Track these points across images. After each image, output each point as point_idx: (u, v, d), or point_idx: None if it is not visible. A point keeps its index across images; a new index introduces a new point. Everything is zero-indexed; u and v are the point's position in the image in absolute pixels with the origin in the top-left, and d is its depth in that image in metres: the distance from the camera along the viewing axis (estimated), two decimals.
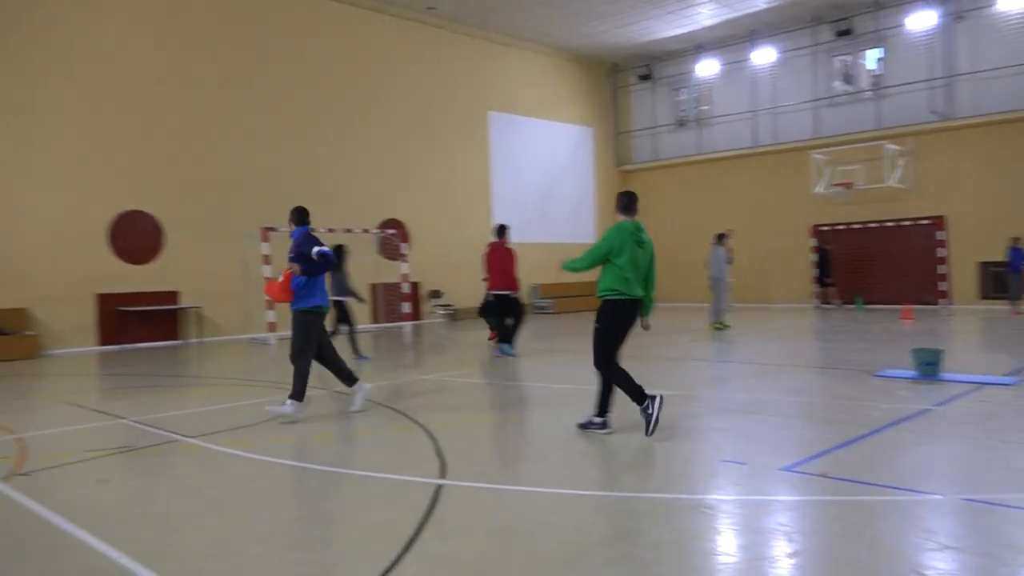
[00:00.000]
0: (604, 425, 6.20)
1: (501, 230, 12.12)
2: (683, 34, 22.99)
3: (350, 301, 11.96)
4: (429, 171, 20.86)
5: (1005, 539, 3.71)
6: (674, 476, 5.08)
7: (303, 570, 3.59)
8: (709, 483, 4.90)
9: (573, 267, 6.45)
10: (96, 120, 15.13)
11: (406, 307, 18.08)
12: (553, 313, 22.34)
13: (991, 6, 18.99)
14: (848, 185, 20.57)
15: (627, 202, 6.52)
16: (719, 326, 15.32)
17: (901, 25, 20.31)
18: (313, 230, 7.80)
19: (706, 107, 24.85)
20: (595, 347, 6.19)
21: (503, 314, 11.88)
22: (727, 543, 3.84)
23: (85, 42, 15.01)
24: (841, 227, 21.63)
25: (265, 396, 8.71)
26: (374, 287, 18.55)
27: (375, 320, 18.79)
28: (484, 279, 12.18)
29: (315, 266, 7.19)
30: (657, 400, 5.99)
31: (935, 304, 20.00)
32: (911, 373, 8.49)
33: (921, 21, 19.82)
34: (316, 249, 7.23)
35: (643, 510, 4.33)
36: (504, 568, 3.56)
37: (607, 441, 6.00)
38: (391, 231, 18.27)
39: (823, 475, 4.82)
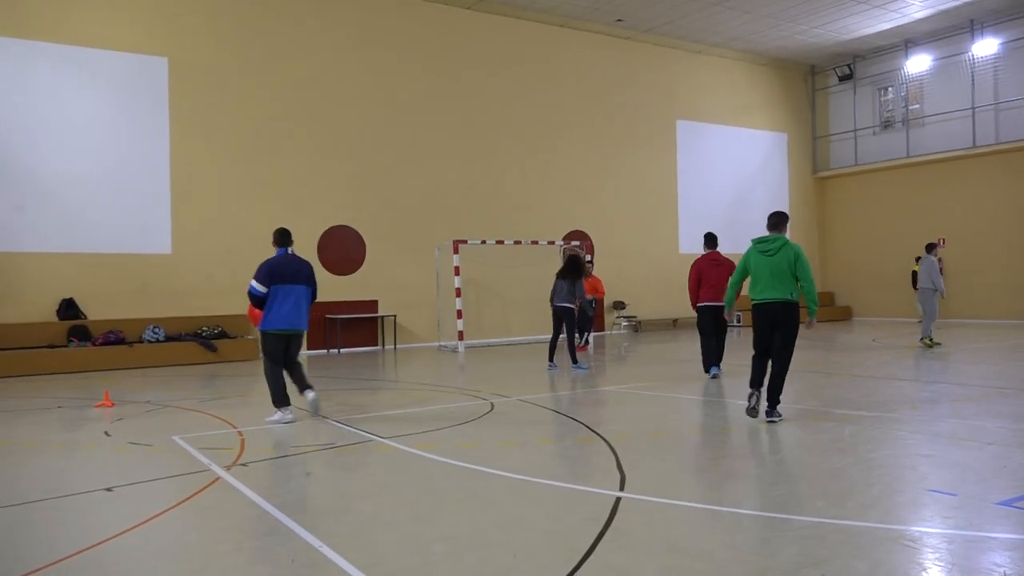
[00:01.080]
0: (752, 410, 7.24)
1: (712, 240, 11.04)
2: (890, 29, 21.43)
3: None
4: (615, 182, 20.87)
5: None
6: (872, 503, 4.73)
7: (484, 571, 3.72)
8: (913, 514, 4.53)
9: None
10: (309, 142, 16.52)
11: None
12: (742, 326, 21.56)
13: None
14: None
15: (776, 221, 7.63)
16: (929, 343, 14.09)
17: None
18: (291, 253, 8.03)
19: (916, 106, 22.99)
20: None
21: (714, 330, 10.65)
22: None
23: (302, 69, 16.44)
24: None
25: (453, 401, 9.09)
26: None
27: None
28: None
29: (251, 297, 7.81)
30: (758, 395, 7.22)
31: None
32: None
33: None
34: (251, 284, 7.74)
35: (836, 538, 4.07)
36: None
37: (799, 462, 5.70)
38: (575, 242, 18.45)
39: None
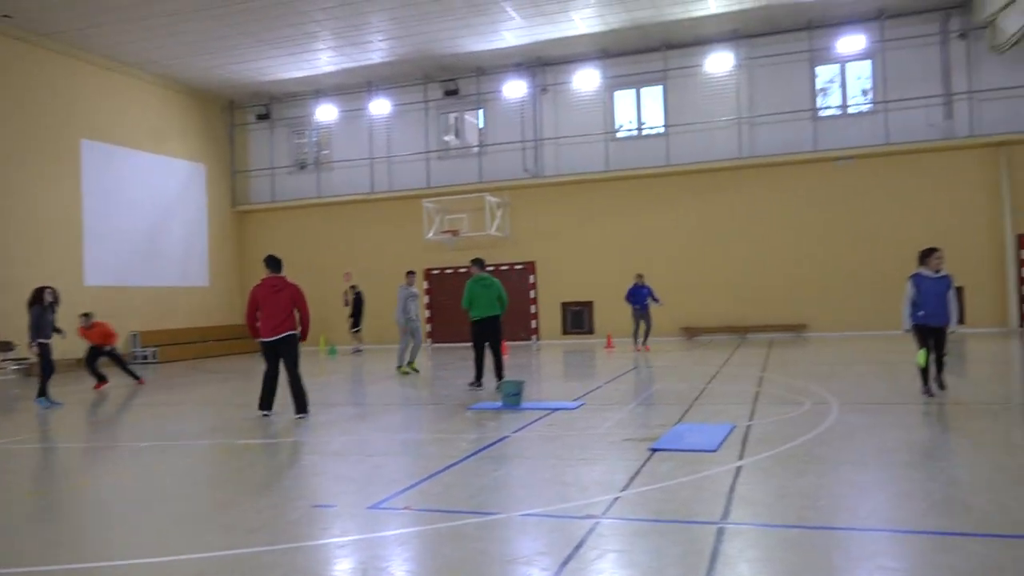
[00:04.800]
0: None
1: (275, 263, 9.30)
2: (303, 77, 23.05)
3: None
4: (7, 205, 17.99)
5: (548, 546, 4.20)
6: (262, 527, 4.87)
7: None
8: (299, 531, 4.79)
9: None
10: None
11: None
12: (158, 363, 20.55)
13: (569, 82, 22.15)
14: (455, 232, 22.24)
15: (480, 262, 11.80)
16: (406, 370, 14.29)
17: (499, 91, 22.70)
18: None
19: (326, 151, 25.13)
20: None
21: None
22: None
23: None
24: (449, 271, 23.24)
25: None
26: None
27: None
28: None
29: None
30: None
31: (528, 340, 22.41)
32: (499, 404, 9.34)
33: (515, 89, 22.37)
34: None
35: (243, 569, 4.07)
36: None
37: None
38: None
39: (407, 508, 5.03)
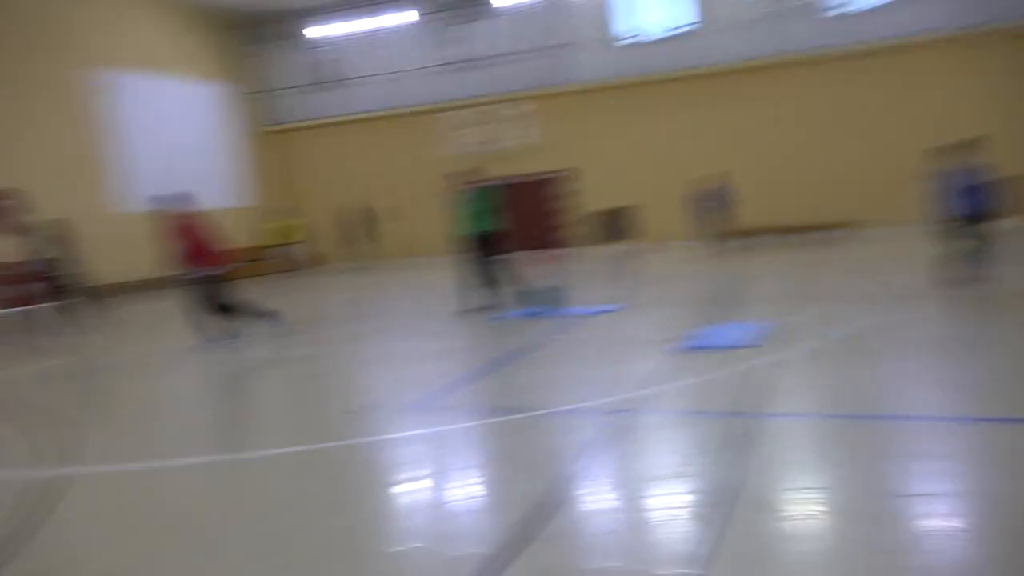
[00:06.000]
0: None
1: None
2: None
3: None
4: (37, 136, 18.14)
5: (592, 437, 4.34)
6: (294, 428, 5.10)
7: None
8: (346, 430, 4.99)
9: None
10: None
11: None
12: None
13: None
14: (488, 143, 22.04)
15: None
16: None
17: None
18: None
19: (347, 69, 24.72)
20: None
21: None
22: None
23: None
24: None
25: None
26: None
27: None
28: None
29: None
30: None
31: (567, 248, 22.40)
32: (538, 309, 9.42)
33: None
34: None
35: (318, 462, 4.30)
36: None
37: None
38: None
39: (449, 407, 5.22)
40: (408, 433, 4.73)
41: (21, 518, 3.68)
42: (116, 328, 12.06)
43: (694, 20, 20.94)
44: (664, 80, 21.06)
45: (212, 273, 8.72)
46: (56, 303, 11.55)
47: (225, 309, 8.79)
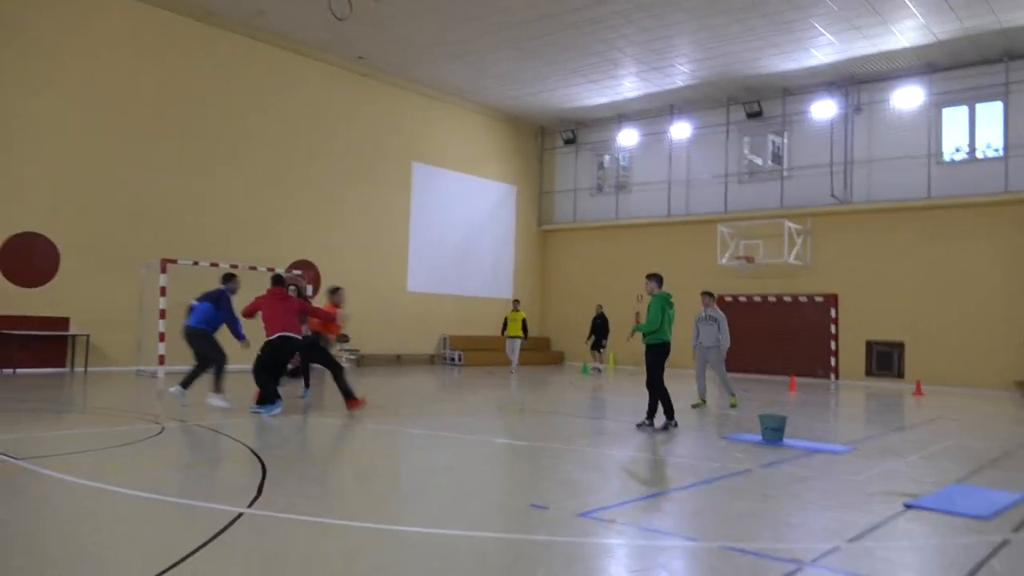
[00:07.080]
0: (652, 425, 9.58)
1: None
2: (606, 103, 23.90)
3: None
4: (346, 215, 21.01)
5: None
6: (482, 518, 5.23)
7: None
8: (512, 525, 5.06)
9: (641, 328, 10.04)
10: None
11: None
12: (462, 365, 22.48)
13: (886, 100, 20.34)
14: (750, 259, 21.43)
15: (660, 279, 10.59)
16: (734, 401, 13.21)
17: (806, 112, 21.55)
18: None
19: (626, 174, 25.72)
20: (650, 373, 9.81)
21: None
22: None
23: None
24: (743, 299, 22.43)
25: (118, 425, 8.60)
26: None
27: None
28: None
29: None
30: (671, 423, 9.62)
31: (825, 377, 20.80)
32: (757, 437, 8.88)
33: (823, 110, 21.08)
34: None
35: (446, 549, 4.47)
36: None
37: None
38: (297, 272, 18.24)
39: (612, 521, 5.06)
40: (561, 539, 4.68)
41: None
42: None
43: (1000, 145, 19.03)
44: (963, 205, 19.16)
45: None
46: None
47: None
